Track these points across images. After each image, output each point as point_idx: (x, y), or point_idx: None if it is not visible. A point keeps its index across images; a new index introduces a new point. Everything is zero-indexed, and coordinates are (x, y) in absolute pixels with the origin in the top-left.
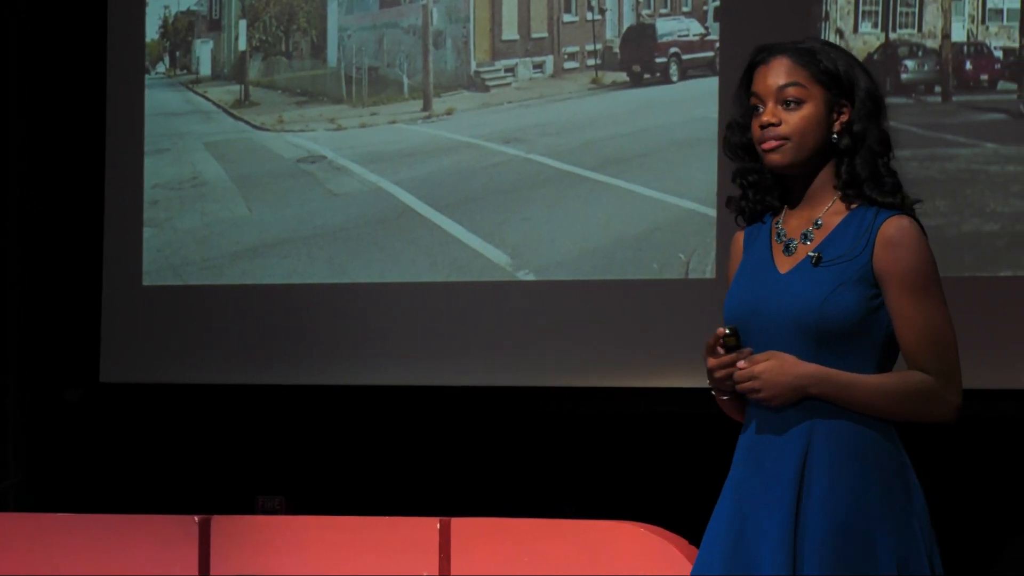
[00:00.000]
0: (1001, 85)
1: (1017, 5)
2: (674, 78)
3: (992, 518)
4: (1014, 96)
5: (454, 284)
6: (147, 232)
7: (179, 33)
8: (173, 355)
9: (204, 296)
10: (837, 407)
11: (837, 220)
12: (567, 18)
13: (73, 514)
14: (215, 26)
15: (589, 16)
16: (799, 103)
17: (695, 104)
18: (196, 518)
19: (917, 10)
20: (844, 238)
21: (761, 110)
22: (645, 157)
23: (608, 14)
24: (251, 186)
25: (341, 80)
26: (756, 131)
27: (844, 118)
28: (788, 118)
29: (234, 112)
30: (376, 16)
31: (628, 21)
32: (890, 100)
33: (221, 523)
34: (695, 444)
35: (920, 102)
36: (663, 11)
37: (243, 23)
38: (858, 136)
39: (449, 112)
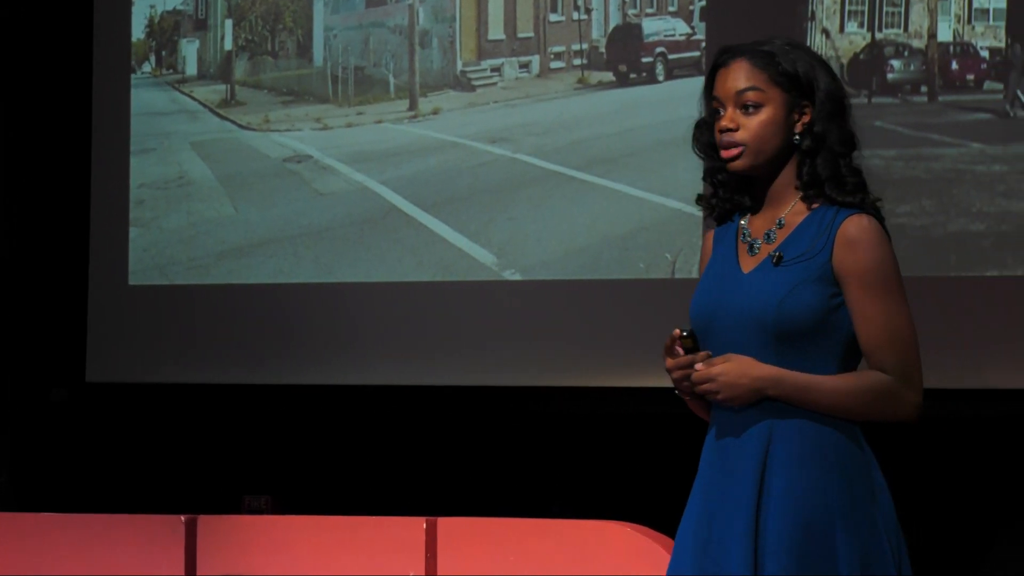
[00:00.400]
0: (987, 85)
1: (1003, 5)
2: (660, 78)
3: (983, 516)
4: (1000, 96)
5: (440, 284)
6: (133, 232)
7: (165, 33)
8: (159, 355)
9: (190, 296)
10: (797, 407)
11: (800, 219)
12: (553, 18)
13: (59, 514)
14: (201, 26)
15: (575, 16)
16: (757, 107)
17: (681, 104)
18: (183, 518)
19: (903, 10)
20: (805, 237)
21: (722, 113)
22: (631, 157)
23: (594, 14)
24: (237, 186)
25: (327, 79)
26: (717, 135)
27: (805, 119)
28: (747, 123)
29: (220, 112)
30: (362, 16)
31: (614, 21)
32: (876, 100)
33: (208, 523)
34: (682, 444)
35: (906, 102)
36: (649, 11)
37: (229, 23)
38: (819, 137)
39: (435, 112)
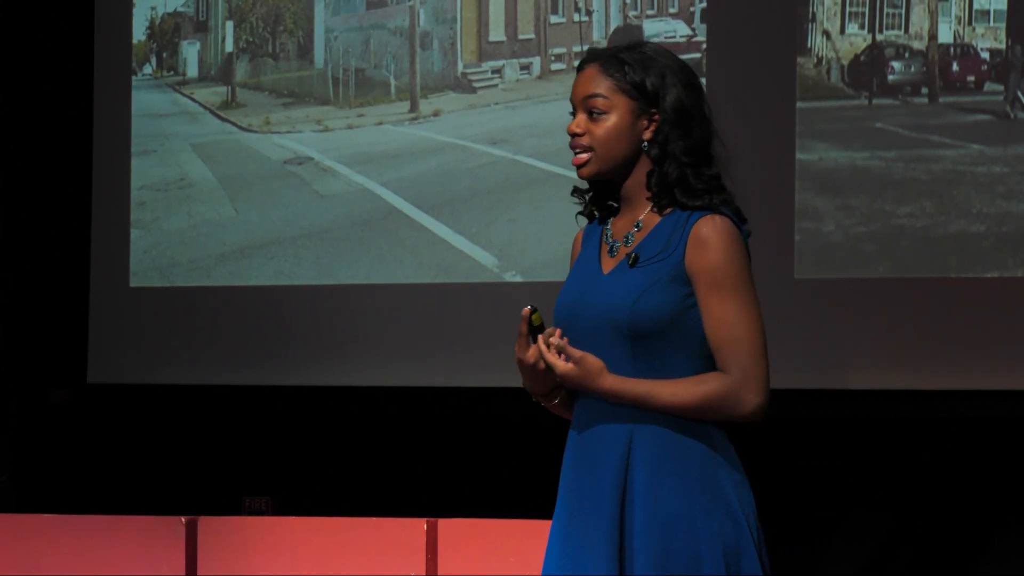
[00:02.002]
0: (988, 86)
1: (1003, 6)
2: None
3: (984, 516)
4: (1000, 97)
5: (441, 285)
6: (134, 233)
7: (166, 34)
8: (160, 356)
9: (191, 297)
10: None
11: (656, 221)
12: (554, 19)
13: (59, 515)
14: (202, 27)
15: (576, 17)
16: (602, 114)
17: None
18: (183, 519)
19: (904, 11)
20: (660, 238)
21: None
22: None
23: (595, 15)
24: (238, 187)
25: (328, 81)
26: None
27: (653, 127)
28: (593, 128)
29: (221, 113)
30: (363, 17)
31: (615, 22)
32: (876, 101)
33: (208, 524)
34: None
35: (907, 103)
36: (650, 12)
37: (230, 24)
38: (663, 146)
39: (436, 113)
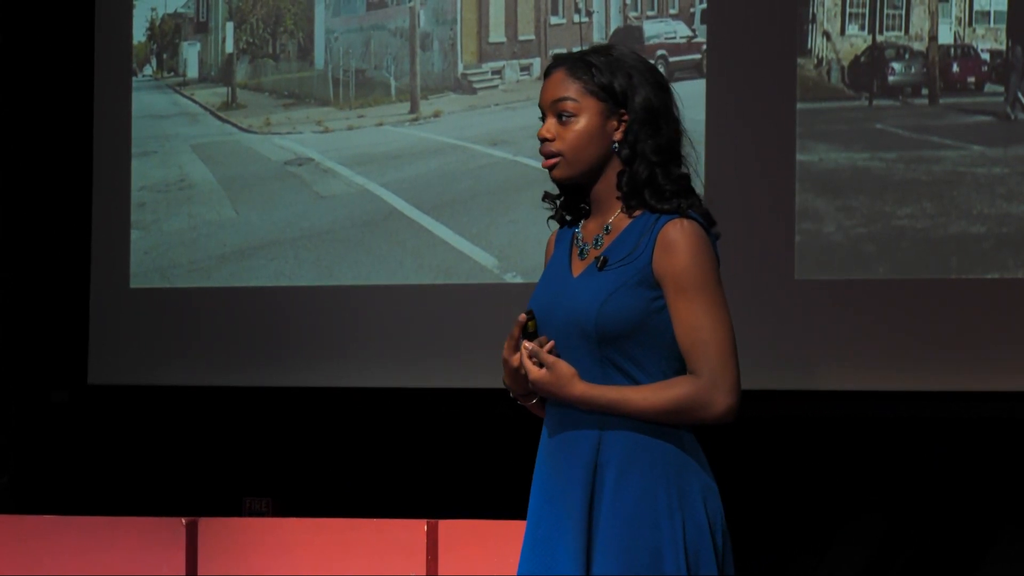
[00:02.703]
0: (988, 87)
1: (1004, 7)
2: None
3: (983, 517)
4: (1001, 98)
5: (441, 286)
6: (134, 234)
7: (166, 35)
8: (160, 357)
9: (191, 298)
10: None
11: (625, 224)
12: (554, 20)
13: (60, 516)
14: (202, 28)
15: (576, 18)
16: (572, 117)
17: (681, 106)
18: (183, 520)
19: (904, 12)
20: (628, 241)
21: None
22: None
23: (595, 16)
24: (238, 188)
25: (328, 82)
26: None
27: (623, 128)
28: (563, 132)
29: (221, 114)
30: (363, 18)
31: (615, 23)
32: (877, 102)
33: (208, 525)
34: None
35: (907, 104)
36: (650, 13)
37: (230, 25)
38: (633, 145)
39: (436, 114)
